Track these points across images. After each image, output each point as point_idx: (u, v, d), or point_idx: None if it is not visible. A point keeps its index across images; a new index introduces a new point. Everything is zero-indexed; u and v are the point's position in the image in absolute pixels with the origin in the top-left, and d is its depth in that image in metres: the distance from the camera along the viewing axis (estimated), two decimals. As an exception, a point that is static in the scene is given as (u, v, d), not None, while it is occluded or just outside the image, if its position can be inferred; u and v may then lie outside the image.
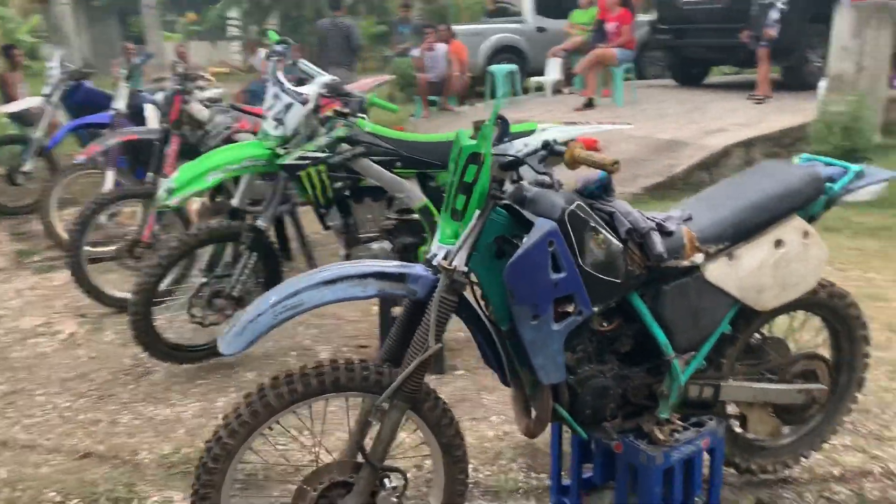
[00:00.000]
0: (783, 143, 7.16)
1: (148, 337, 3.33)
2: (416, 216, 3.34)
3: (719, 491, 2.30)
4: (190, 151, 4.18)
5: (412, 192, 3.28)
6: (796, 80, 9.57)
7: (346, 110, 3.29)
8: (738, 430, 2.44)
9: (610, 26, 9.18)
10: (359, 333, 3.99)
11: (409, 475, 2.01)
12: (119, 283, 4.54)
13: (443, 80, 9.82)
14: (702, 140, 7.06)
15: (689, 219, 2.11)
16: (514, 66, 10.06)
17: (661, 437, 2.08)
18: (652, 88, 10.38)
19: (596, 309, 1.91)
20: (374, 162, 3.24)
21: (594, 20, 10.43)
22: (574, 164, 1.81)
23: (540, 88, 10.26)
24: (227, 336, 1.83)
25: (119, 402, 3.32)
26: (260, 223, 3.28)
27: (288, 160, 3.15)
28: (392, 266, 1.91)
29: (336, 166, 3.20)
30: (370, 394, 1.91)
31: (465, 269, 1.80)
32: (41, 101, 6.69)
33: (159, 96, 6.07)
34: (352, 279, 1.84)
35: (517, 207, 1.88)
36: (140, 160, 5.36)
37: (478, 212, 1.78)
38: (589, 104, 8.96)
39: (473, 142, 1.83)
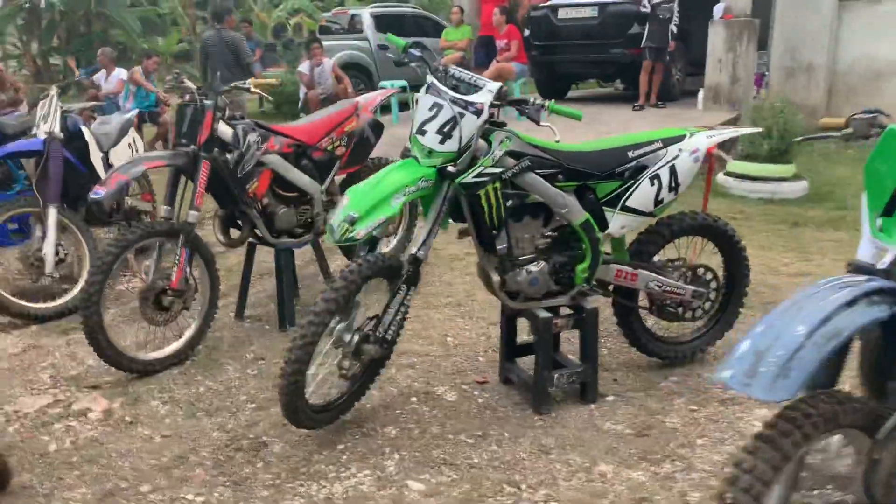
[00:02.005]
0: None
1: (297, 407, 2.74)
2: (572, 233, 3.07)
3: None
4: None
5: (573, 207, 3.01)
6: (662, 92, 10.33)
7: (501, 120, 2.96)
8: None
9: (500, 43, 9.31)
10: (463, 368, 3.60)
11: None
12: (141, 342, 3.76)
13: (331, 96, 9.34)
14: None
15: None
16: (404, 82, 9.83)
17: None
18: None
19: None
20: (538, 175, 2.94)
21: (468, 37, 10.55)
22: None
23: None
24: (759, 381, 1.50)
25: (265, 486, 2.69)
26: (420, 254, 2.82)
27: (469, 178, 2.74)
28: (871, 281, 1.70)
29: (503, 183, 2.86)
30: (861, 430, 1.69)
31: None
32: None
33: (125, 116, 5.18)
34: (865, 298, 1.61)
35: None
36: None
37: None
38: (490, 118, 8.98)
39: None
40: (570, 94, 11.98)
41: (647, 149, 3.16)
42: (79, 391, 3.51)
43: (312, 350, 2.67)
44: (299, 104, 9.34)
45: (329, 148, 4.24)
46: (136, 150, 5.46)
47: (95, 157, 4.88)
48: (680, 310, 3.43)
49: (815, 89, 9.46)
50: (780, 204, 6.62)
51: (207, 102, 3.64)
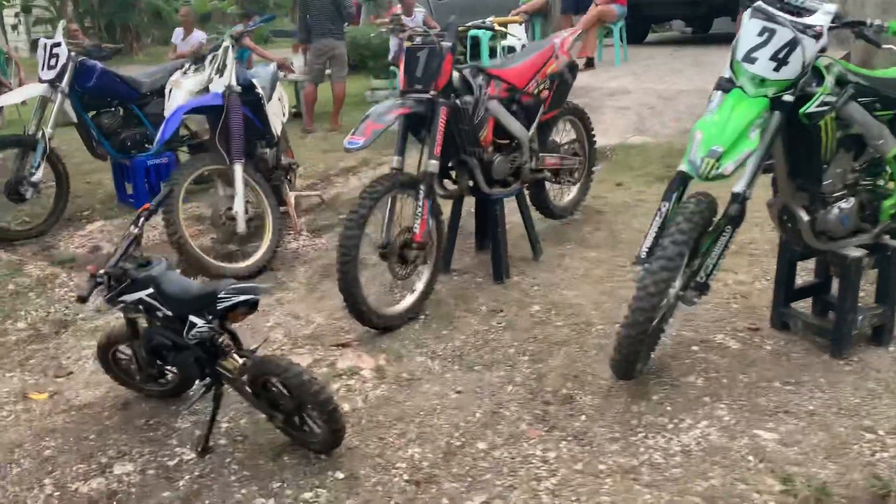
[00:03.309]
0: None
1: (639, 357, 2.61)
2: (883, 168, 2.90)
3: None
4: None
5: (889, 138, 2.83)
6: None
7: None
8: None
9: (599, -14, 8.96)
10: (722, 315, 3.46)
11: None
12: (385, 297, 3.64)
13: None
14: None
15: None
16: (494, 29, 9.56)
17: None
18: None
19: None
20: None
21: (551, -20, 10.19)
22: None
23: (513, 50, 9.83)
24: None
25: (607, 439, 2.57)
26: (748, 193, 2.65)
27: (812, 107, 2.55)
28: None
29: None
30: None
31: None
32: (45, 89, 5.18)
33: (270, 68, 5.00)
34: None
35: None
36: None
37: None
38: (589, 63, 8.72)
39: None
40: (650, 37, 11.64)
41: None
42: (327, 350, 3.38)
43: (662, 298, 2.53)
44: (389, 56, 9.06)
45: (535, 91, 4.05)
46: (284, 106, 5.28)
47: (269, 110, 4.69)
48: None
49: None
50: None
51: (445, 44, 3.44)
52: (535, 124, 4.07)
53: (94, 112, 5.52)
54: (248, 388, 2.56)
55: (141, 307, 2.61)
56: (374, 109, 3.41)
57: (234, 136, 4.32)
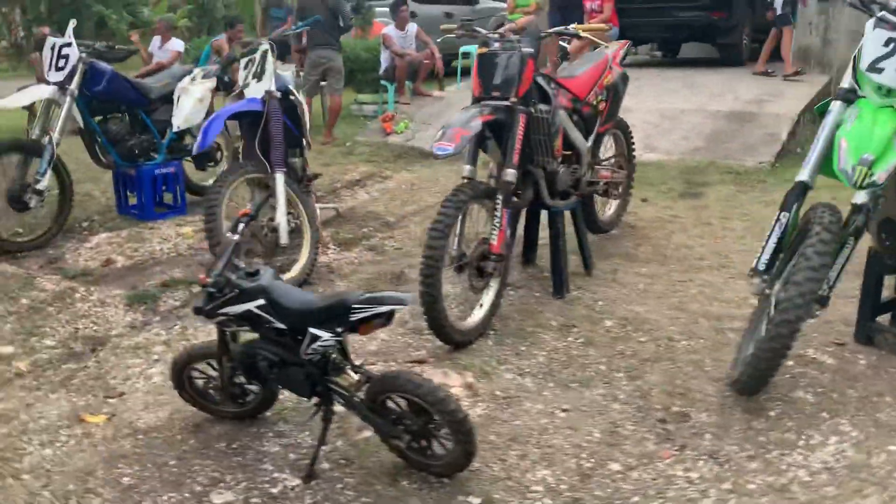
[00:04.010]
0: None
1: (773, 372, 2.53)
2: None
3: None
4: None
5: None
6: (731, 57, 10.21)
7: None
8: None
9: (592, 5, 9.02)
10: (812, 330, 3.40)
11: None
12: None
13: (415, 63, 8.95)
14: (762, 109, 7.22)
15: None
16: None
17: None
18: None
19: None
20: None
21: (537, 1, 10.23)
22: None
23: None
24: None
25: (743, 458, 2.46)
26: (870, 205, 2.61)
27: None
28: None
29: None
30: None
31: None
32: (53, 91, 4.86)
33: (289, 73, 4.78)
34: None
35: None
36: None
37: None
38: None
39: None
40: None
41: None
42: (403, 367, 3.20)
43: (809, 310, 2.46)
44: (381, 71, 8.91)
45: (594, 103, 3.98)
46: (305, 113, 5.08)
47: (305, 117, 4.49)
48: None
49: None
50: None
51: (527, 50, 3.33)
52: (592, 136, 3.99)
53: (101, 118, 5.23)
54: (366, 407, 2.37)
55: (244, 320, 2.40)
56: (457, 117, 3.26)
57: (276, 144, 4.12)
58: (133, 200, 5.55)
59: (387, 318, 2.25)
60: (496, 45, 3.41)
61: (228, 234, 2.48)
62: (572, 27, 3.66)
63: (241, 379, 2.68)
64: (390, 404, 2.37)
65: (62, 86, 4.83)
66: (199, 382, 2.78)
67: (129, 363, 3.36)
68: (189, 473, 2.52)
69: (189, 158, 5.70)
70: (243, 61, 4.36)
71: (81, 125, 5.05)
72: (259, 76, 4.22)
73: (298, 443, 2.67)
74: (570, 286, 3.91)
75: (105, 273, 4.49)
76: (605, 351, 3.25)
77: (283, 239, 4.06)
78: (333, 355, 2.37)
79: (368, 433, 2.69)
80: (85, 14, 20.11)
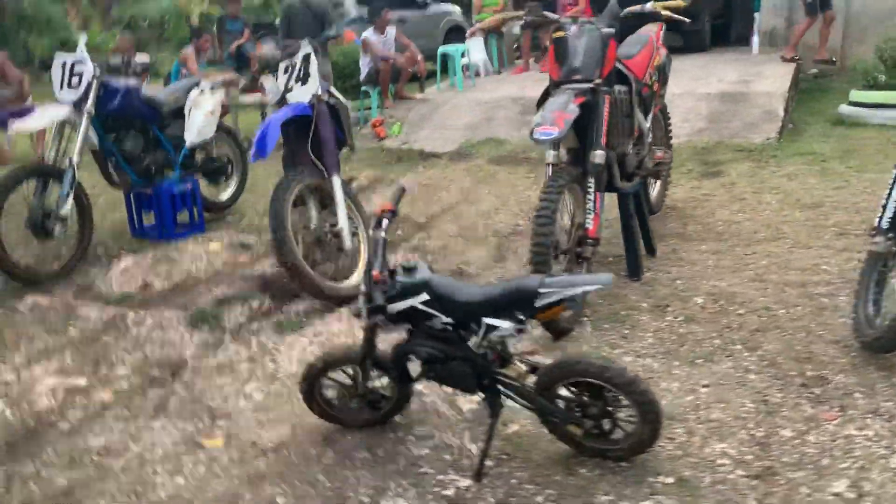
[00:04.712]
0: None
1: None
2: None
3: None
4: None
5: None
6: (696, 43, 10.43)
7: None
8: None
9: (566, -1, 9.09)
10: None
11: None
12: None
13: (395, 66, 8.85)
14: (750, 88, 7.39)
15: None
16: (463, 46, 9.48)
17: None
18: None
19: None
20: None
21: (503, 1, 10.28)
22: None
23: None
24: None
25: (905, 412, 2.49)
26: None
27: None
28: None
29: None
30: None
31: None
32: (68, 111, 4.60)
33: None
34: None
35: None
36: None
37: None
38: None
39: None
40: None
41: None
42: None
43: None
44: (361, 77, 8.77)
45: (650, 83, 3.99)
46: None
47: (349, 118, 4.37)
48: None
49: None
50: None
51: (607, 30, 3.31)
52: (650, 116, 4.00)
53: (114, 136, 4.98)
54: (540, 397, 2.29)
55: (403, 318, 2.30)
56: (550, 102, 3.21)
57: (329, 147, 4.00)
58: (148, 220, 5.31)
59: (573, 301, 2.18)
60: (573, 27, 3.38)
61: (372, 231, 2.38)
62: (649, 5, 3.65)
63: (377, 383, 2.57)
64: (563, 392, 2.30)
65: (77, 105, 4.58)
66: (329, 392, 2.66)
67: (218, 383, 3.19)
68: (346, 486, 2.40)
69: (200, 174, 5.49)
70: (281, 66, 4.21)
71: (97, 145, 4.80)
72: (304, 80, 4.08)
73: (446, 443, 2.58)
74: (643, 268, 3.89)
75: (147, 297, 4.27)
76: (710, 327, 3.25)
77: (347, 243, 3.94)
78: (504, 347, 2.29)
79: (515, 427, 2.63)
80: (12, 40, 19.32)
